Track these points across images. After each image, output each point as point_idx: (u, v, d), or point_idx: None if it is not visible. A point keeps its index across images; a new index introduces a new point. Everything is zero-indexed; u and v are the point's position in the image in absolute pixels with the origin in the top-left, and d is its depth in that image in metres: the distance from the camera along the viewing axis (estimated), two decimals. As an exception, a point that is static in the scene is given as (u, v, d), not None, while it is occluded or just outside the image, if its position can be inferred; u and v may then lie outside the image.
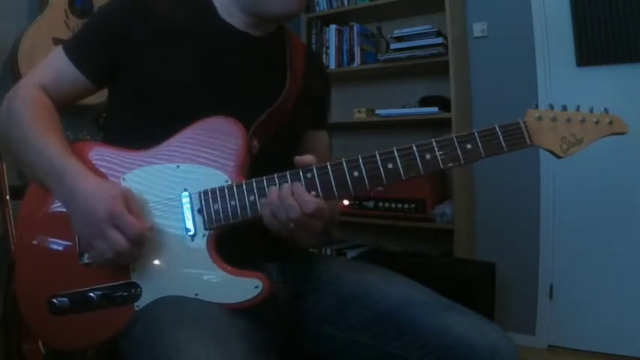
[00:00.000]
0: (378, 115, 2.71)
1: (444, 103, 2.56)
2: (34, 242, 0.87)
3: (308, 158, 0.81)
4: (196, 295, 0.81)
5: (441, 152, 0.81)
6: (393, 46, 2.69)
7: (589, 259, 2.41)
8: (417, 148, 0.82)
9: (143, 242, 0.79)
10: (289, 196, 0.78)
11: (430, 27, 2.59)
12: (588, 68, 2.39)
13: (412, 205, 2.53)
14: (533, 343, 2.49)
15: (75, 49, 0.94)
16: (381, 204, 2.61)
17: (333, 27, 2.89)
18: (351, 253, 2.73)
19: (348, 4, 2.88)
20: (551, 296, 2.49)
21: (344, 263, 1.04)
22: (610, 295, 2.36)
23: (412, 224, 2.57)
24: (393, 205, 2.58)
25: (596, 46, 2.36)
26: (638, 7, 2.25)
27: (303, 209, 0.77)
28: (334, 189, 0.81)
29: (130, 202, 0.79)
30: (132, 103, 0.94)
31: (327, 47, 2.90)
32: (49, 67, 0.95)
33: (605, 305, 2.36)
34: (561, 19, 2.43)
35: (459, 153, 0.81)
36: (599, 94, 2.34)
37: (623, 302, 2.32)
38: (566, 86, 2.44)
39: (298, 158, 0.82)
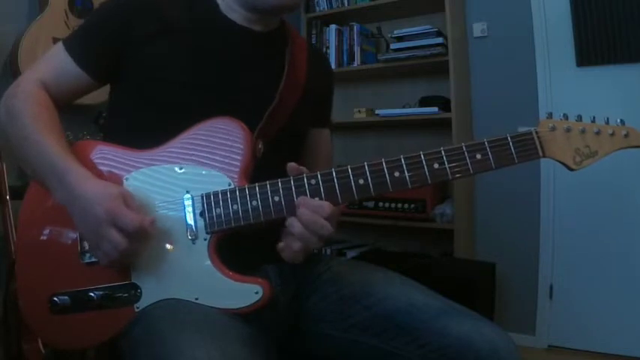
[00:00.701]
0: (378, 115, 2.71)
1: (444, 103, 2.56)
2: (35, 241, 0.87)
3: (300, 168, 0.81)
4: (196, 299, 0.80)
5: (449, 162, 0.79)
6: (393, 46, 2.69)
7: (589, 259, 2.41)
8: (425, 157, 0.79)
9: (145, 237, 0.78)
10: (318, 218, 0.77)
11: (430, 27, 2.59)
12: (588, 68, 2.39)
13: (412, 205, 2.53)
14: (533, 343, 2.48)
15: (75, 45, 0.93)
16: (381, 204, 2.61)
17: (333, 27, 2.89)
18: (351, 253, 2.73)
19: (348, 4, 2.88)
20: (551, 296, 2.49)
21: (344, 263, 1.04)
22: (610, 295, 2.36)
23: (412, 224, 2.57)
24: (393, 205, 2.58)
25: (596, 46, 2.36)
26: (638, 7, 2.25)
27: (320, 214, 0.77)
28: (338, 196, 0.80)
29: (129, 200, 0.79)
30: (133, 102, 0.94)
31: (327, 47, 2.90)
32: (49, 63, 0.94)
33: (605, 305, 2.36)
34: (561, 19, 2.43)
35: (469, 163, 0.79)
36: (599, 94, 2.34)
37: (623, 302, 2.32)
38: (566, 86, 2.44)
39: (290, 166, 0.81)
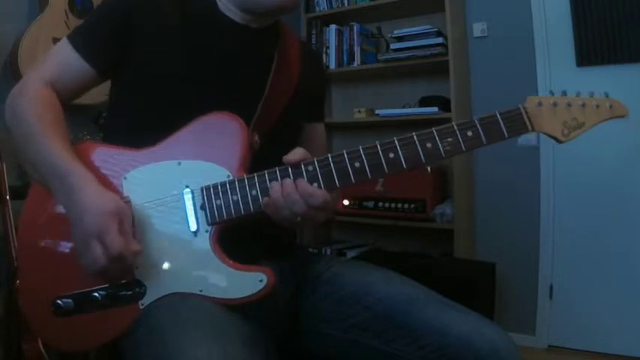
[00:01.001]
0: (378, 115, 2.71)
1: (444, 103, 2.56)
2: (38, 243, 0.87)
3: (296, 155, 0.81)
4: (200, 291, 0.81)
5: (442, 140, 0.82)
6: (393, 46, 2.69)
7: (589, 259, 2.41)
8: (417, 137, 0.83)
9: (128, 262, 0.77)
10: (293, 192, 0.78)
11: (430, 27, 2.59)
12: (588, 68, 2.39)
13: (412, 205, 2.53)
14: (533, 343, 2.49)
15: (79, 40, 0.94)
16: (381, 204, 2.61)
17: (333, 27, 2.89)
18: (351, 253, 2.73)
19: (348, 4, 2.89)
20: (551, 296, 2.49)
21: (344, 263, 1.04)
22: (610, 295, 2.36)
23: (412, 224, 2.57)
24: (393, 205, 2.58)
25: (596, 46, 2.36)
26: (638, 7, 2.25)
27: (310, 203, 0.78)
28: (336, 180, 0.81)
29: (124, 219, 0.78)
30: (133, 100, 0.95)
31: (327, 47, 2.90)
32: (54, 59, 0.95)
33: (605, 305, 2.36)
34: (561, 19, 2.43)
35: (460, 140, 0.82)
36: (599, 94, 2.33)
37: (623, 302, 2.33)
38: (566, 86, 2.40)
39: (286, 158, 0.81)
